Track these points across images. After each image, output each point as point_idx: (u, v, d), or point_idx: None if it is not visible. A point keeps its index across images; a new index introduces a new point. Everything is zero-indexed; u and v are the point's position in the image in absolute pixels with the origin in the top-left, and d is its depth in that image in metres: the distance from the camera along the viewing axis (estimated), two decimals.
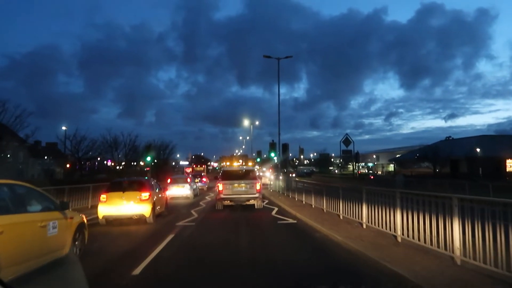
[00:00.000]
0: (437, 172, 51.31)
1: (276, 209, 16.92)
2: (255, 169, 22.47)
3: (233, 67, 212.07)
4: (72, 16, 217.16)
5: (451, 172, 50.89)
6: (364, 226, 10.29)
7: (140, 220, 12.87)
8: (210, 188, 35.67)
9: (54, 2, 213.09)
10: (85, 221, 8.11)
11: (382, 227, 9.11)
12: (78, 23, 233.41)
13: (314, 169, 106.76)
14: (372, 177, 65.76)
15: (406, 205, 7.88)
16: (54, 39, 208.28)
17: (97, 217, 12.63)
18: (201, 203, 20.72)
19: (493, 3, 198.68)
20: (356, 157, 44.09)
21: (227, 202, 17.11)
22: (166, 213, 15.76)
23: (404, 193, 8.13)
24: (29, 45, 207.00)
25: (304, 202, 18.23)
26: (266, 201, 21.38)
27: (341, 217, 12.30)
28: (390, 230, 8.65)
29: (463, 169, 52.06)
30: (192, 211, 16.22)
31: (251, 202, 17.11)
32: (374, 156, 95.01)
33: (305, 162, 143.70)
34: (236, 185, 16.97)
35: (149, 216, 12.74)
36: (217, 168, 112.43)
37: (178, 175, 33.15)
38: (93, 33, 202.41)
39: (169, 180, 25.97)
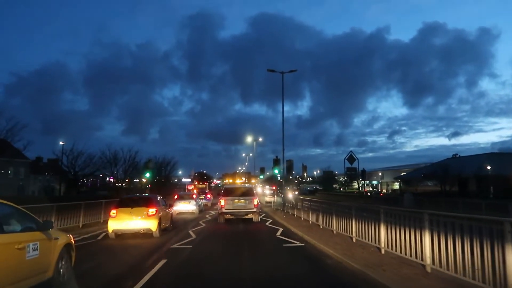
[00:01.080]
0: (444, 190, 49.72)
1: (281, 229, 15.65)
2: (253, 187, 24.21)
3: (237, 85, 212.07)
4: (79, 35, 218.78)
5: (459, 190, 49.34)
6: (383, 252, 9.04)
7: (142, 235, 13.53)
8: (214, 204, 35.56)
9: (61, 22, 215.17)
10: (73, 241, 7.31)
11: (405, 254, 7.87)
12: (85, 42, 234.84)
13: (318, 187, 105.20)
14: (382, 195, 64.38)
15: (437, 230, 6.68)
16: (61, 57, 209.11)
17: (95, 235, 13.57)
18: (200, 222, 19.44)
19: (495, 22, 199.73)
20: (363, 175, 42.85)
21: (228, 216, 18.61)
22: (172, 227, 16.28)
23: (434, 214, 6.91)
24: (36, 64, 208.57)
25: (310, 222, 16.97)
26: (270, 220, 20.14)
27: (354, 240, 11.04)
28: (416, 257, 7.40)
29: (472, 187, 50.49)
30: (190, 231, 14.99)
31: (250, 216, 18.65)
32: (380, 174, 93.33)
33: (308, 180, 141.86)
34: (236, 201, 18.63)
35: (156, 230, 13.44)
36: (219, 185, 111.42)
37: (185, 192, 35.15)
38: (99, 51, 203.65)
39: (176, 197, 27.40)
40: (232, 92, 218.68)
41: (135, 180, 60.41)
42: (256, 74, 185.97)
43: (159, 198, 15.69)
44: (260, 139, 60.70)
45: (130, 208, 13.47)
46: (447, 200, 29.40)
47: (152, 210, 13.50)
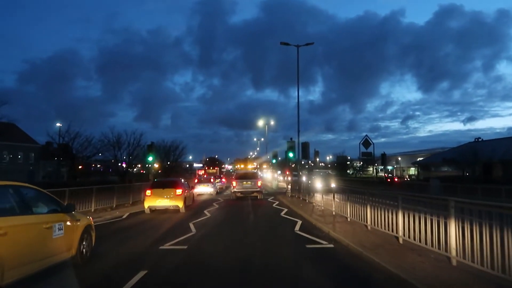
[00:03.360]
0: (471, 175, 46.40)
1: (299, 222, 13.05)
2: (257, 172, 31.06)
3: (248, 70, 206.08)
4: (90, 22, 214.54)
5: (484, 176, 46.05)
6: (454, 262, 6.33)
7: (173, 211, 16.48)
8: (227, 188, 38.14)
9: (73, 9, 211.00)
10: (92, 223, 7.75)
11: (495, 270, 5.16)
12: (96, 28, 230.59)
13: (330, 172, 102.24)
14: (396, 180, 61.26)
15: None
16: (73, 44, 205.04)
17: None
18: (205, 211, 16.93)
19: None
20: (383, 159, 39.95)
21: (238, 194, 23.88)
22: (193, 205, 19.68)
23: None
24: (49, 51, 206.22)
25: (334, 213, 14.24)
26: (285, 209, 17.56)
27: (400, 241, 8.35)
28: None
29: (497, 173, 47.15)
30: (191, 224, 12.52)
31: (255, 194, 23.72)
32: (400, 158, 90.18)
33: (321, 165, 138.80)
34: (244, 182, 23.78)
35: (182, 207, 16.54)
36: (231, 170, 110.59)
37: (204, 177, 41.39)
38: (110, 38, 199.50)
39: (196, 181, 32.99)
40: (243, 77, 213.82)
41: (148, 166, 58.13)
42: (268, 59, 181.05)
43: (183, 181, 19.23)
44: (272, 123, 58.10)
45: (161, 189, 16.56)
46: (481, 187, 26.33)
47: (179, 191, 16.57)
